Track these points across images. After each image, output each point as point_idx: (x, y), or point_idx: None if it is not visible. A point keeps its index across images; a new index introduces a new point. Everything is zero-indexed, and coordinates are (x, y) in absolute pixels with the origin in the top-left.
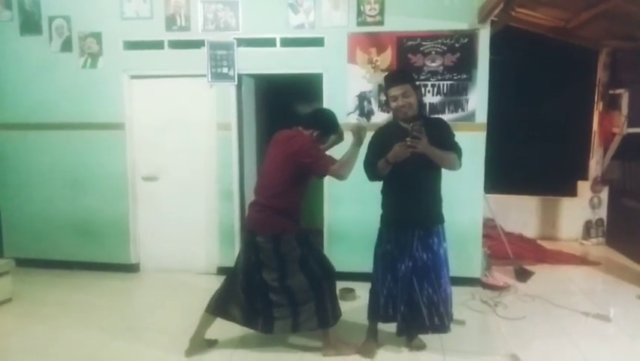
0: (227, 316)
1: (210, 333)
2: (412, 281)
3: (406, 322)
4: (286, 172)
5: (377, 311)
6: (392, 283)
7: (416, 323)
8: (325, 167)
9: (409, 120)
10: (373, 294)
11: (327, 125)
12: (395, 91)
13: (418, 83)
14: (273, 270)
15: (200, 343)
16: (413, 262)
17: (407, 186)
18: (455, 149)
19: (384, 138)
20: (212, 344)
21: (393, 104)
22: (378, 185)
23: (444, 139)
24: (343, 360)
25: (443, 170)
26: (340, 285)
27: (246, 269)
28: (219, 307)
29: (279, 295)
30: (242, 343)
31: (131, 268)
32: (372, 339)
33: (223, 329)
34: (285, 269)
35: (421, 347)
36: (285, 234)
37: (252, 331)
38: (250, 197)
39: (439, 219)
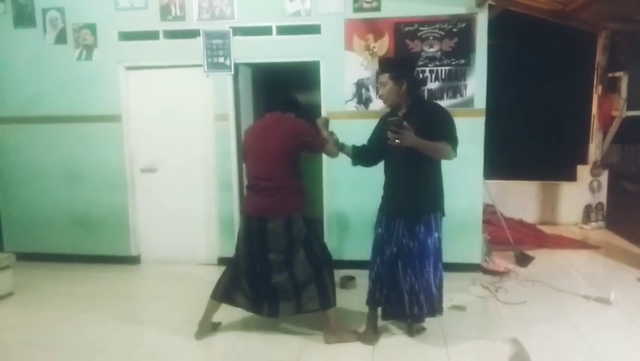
0: (233, 303)
1: (214, 317)
2: (397, 266)
3: (390, 306)
4: (289, 153)
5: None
6: (380, 266)
7: (397, 309)
8: (322, 144)
9: (397, 109)
10: (369, 278)
11: (298, 107)
12: (378, 79)
13: (413, 70)
14: (280, 252)
15: (208, 326)
16: (398, 247)
17: (395, 174)
18: (449, 138)
19: (380, 126)
20: (215, 327)
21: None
22: (379, 173)
23: (435, 128)
24: (345, 347)
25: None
26: (341, 273)
27: (247, 258)
28: (225, 294)
29: (282, 276)
30: (246, 327)
31: (132, 261)
32: (372, 326)
33: (227, 313)
34: (291, 249)
35: (421, 330)
36: (296, 213)
37: (255, 315)
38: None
39: (430, 208)
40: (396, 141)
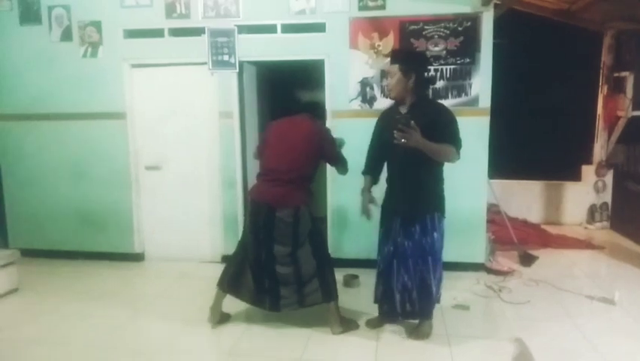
0: (237, 295)
1: (225, 308)
2: (393, 265)
3: (386, 304)
4: (309, 154)
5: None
6: (382, 265)
7: (389, 308)
8: (338, 155)
9: (400, 102)
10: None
11: (324, 119)
12: (388, 69)
13: (423, 67)
14: (286, 244)
15: (219, 311)
16: (394, 247)
17: (396, 173)
18: (453, 141)
19: (382, 123)
20: (225, 318)
21: None
22: (382, 172)
23: (441, 130)
24: (350, 341)
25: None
26: (345, 272)
27: (254, 245)
28: (231, 285)
29: (287, 269)
30: (252, 320)
31: (136, 258)
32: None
33: (234, 305)
34: (297, 241)
35: (424, 336)
36: (303, 206)
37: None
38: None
39: (427, 209)
40: (402, 140)
